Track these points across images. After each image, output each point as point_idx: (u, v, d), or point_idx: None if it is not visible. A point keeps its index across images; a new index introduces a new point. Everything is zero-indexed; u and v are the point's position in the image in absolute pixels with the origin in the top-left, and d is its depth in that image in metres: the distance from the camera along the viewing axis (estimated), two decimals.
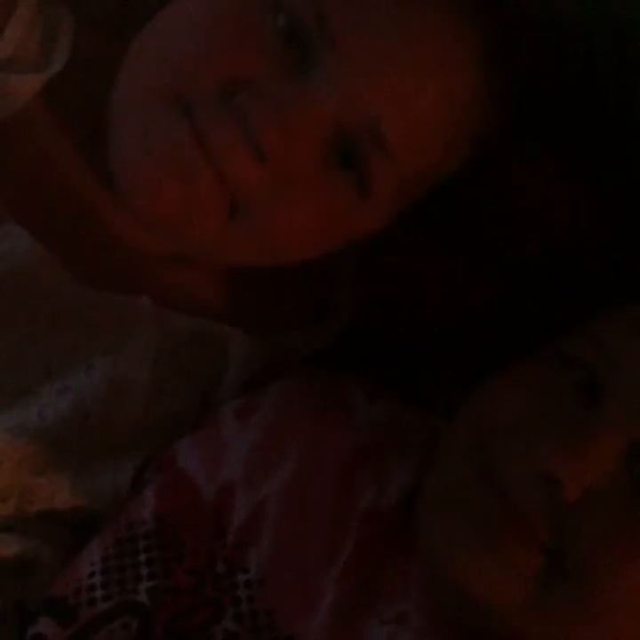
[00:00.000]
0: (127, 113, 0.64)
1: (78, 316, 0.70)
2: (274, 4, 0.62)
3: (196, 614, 0.62)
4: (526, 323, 0.72)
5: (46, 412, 0.69)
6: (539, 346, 0.65)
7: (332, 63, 0.61)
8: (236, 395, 0.74)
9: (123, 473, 0.70)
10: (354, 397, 0.72)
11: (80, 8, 0.72)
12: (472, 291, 0.76)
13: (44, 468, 0.69)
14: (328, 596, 0.62)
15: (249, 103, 0.61)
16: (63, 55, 0.70)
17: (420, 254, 0.76)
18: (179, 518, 0.66)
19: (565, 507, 0.56)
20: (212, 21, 0.63)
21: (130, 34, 0.67)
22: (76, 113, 0.70)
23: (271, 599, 0.63)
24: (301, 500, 0.66)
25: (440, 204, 0.71)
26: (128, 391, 0.71)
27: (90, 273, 0.70)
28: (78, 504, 0.69)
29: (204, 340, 0.74)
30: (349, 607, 0.62)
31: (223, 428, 0.70)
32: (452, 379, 0.77)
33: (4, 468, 0.68)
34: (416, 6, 0.62)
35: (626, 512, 0.57)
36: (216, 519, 0.66)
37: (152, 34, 0.65)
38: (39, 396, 0.69)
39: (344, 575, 0.63)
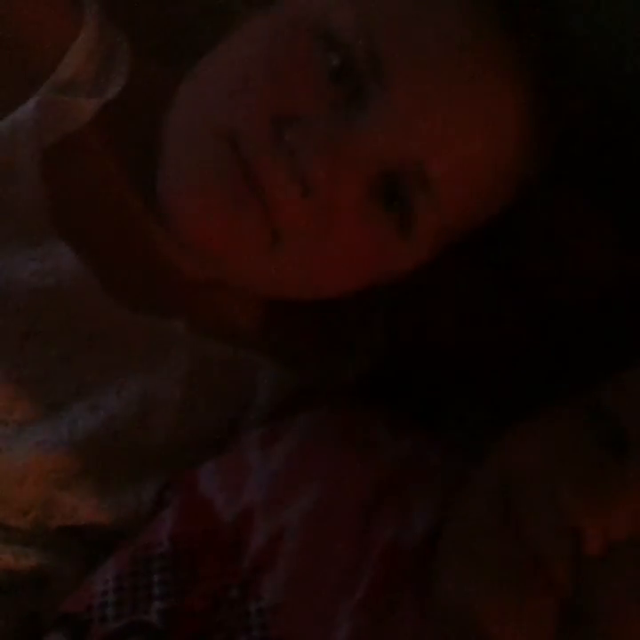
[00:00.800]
0: (179, 142, 0.66)
1: (113, 336, 0.71)
2: (326, 43, 0.63)
3: (207, 639, 0.62)
4: (557, 369, 0.71)
5: (76, 429, 0.69)
6: (569, 393, 0.64)
7: (382, 104, 0.62)
8: (262, 423, 0.74)
9: (146, 493, 0.71)
10: (378, 432, 0.72)
11: (136, 37, 0.74)
12: (503, 333, 0.75)
13: (68, 484, 0.69)
14: (342, 631, 0.61)
15: (297, 139, 0.62)
16: (119, 82, 0.72)
17: (452, 294, 0.76)
18: (195, 541, 0.66)
19: (589, 560, 0.55)
20: (264, 58, 0.64)
21: (183, 65, 0.68)
22: (128, 138, 0.72)
23: (283, 628, 0.62)
24: (320, 531, 0.65)
25: (472, 246, 0.70)
26: (157, 413, 0.71)
27: (127, 294, 0.71)
28: (99, 521, 0.70)
29: (235, 366, 0.74)
30: None
31: (246, 455, 0.70)
32: (478, 419, 0.76)
33: (29, 481, 0.68)
34: (468, 56, 0.63)
35: None
36: (233, 544, 0.65)
37: (204, 69, 0.67)
38: (70, 411, 0.69)
39: (359, 610, 0.62)
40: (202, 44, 0.68)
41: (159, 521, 0.67)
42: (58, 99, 0.69)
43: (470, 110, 0.63)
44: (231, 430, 0.74)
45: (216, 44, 0.68)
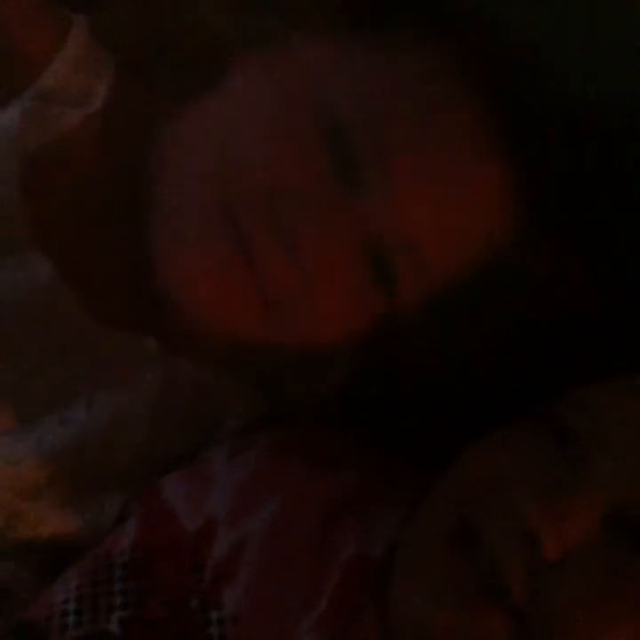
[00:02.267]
0: (170, 200, 0.67)
1: (85, 350, 0.71)
2: (332, 134, 0.65)
3: None
4: (517, 387, 0.71)
5: (44, 442, 0.69)
6: (528, 408, 0.65)
7: (382, 187, 0.65)
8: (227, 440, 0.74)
9: (110, 507, 0.71)
10: (342, 448, 0.72)
11: (119, 53, 0.75)
12: (466, 355, 0.76)
13: (33, 496, 0.69)
14: None
15: (293, 214, 0.64)
16: (102, 93, 0.73)
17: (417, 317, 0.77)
18: (157, 550, 0.65)
19: (543, 566, 0.55)
20: (266, 136, 0.66)
21: (161, 79, 0.69)
22: (110, 152, 0.73)
23: (243, 639, 0.62)
24: (282, 543, 0.65)
25: None
26: (126, 428, 0.72)
27: (102, 308, 0.71)
28: (63, 533, 0.70)
29: (205, 388, 0.74)
30: None
31: (211, 466, 0.70)
32: (439, 436, 0.76)
33: None
34: (463, 145, 0.66)
35: (600, 579, 0.56)
36: (194, 553, 0.65)
37: (199, 120, 0.68)
38: (39, 424, 0.70)
39: (320, 624, 0.62)
40: (184, 61, 0.69)
41: (122, 530, 0.67)
42: (42, 107, 0.71)
43: (463, 193, 0.66)
44: (199, 449, 0.74)
45: (198, 64, 0.69)
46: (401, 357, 0.78)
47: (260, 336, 0.69)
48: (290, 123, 0.65)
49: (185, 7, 0.70)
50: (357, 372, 0.79)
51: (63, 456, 0.69)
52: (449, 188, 0.66)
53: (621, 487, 0.57)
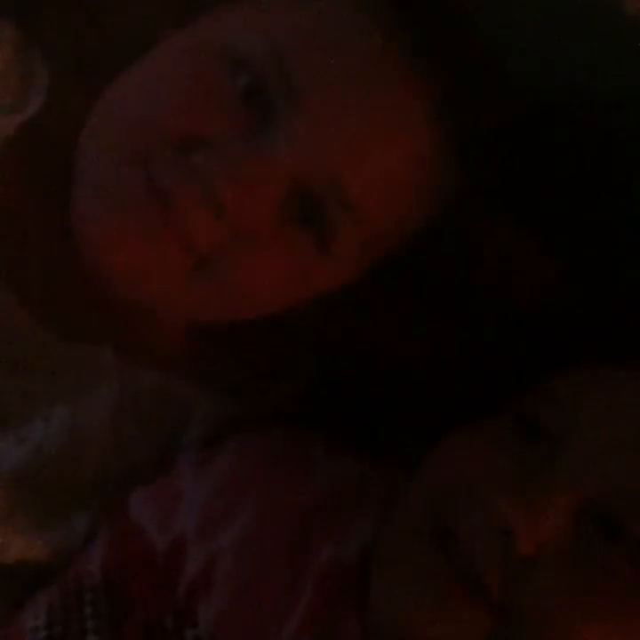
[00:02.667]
0: (89, 168, 0.65)
1: (39, 364, 0.69)
2: (234, 62, 0.62)
3: None
4: (485, 380, 0.71)
5: (3, 462, 0.67)
6: (498, 403, 0.64)
7: (293, 121, 0.62)
8: (195, 448, 0.72)
9: (77, 526, 0.69)
10: (312, 452, 0.71)
11: (54, 55, 0.73)
12: (432, 348, 0.75)
13: None
14: None
15: (206, 161, 0.61)
16: (38, 99, 0.71)
17: (379, 311, 0.76)
18: (128, 570, 0.64)
19: (517, 561, 0.55)
20: (173, 80, 0.63)
21: (100, 82, 0.67)
22: (46, 159, 0.71)
23: None
24: (255, 556, 0.64)
25: (399, 260, 0.70)
26: (86, 443, 0.70)
27: (53, 320, 0.69)
28: (29, 558, 0.68)
29: (166, 395, 0.73)
30: None
31: (178, 480, 0.69)
32: (411, 435, 0.75)
33: None
34: (374, 70, 0.63)
35: (574, 572, 0.56)
36: (167, 571, 0.64)
37: (116, 90, 0.66)
38: None
39: (299, 634, 0.61)
40: (121, 61, 0.67)
41: (90, 551, 0.66)
42: None
43: (380, 123, 0.63)
44: (164, 458, 0.73)
45: (134, 62, 0.67)
46: (358, 342, 0.77)
47: (192, 305, 0.66)
48: (197, 69, 0.63)
49: (128, 12, 0.68)
50: (318, 363, 0.78)
51: (23, 477, 0.68)
52: (366, 119, 0.63)
53: (593, 480, 0.58)
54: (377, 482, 0.70)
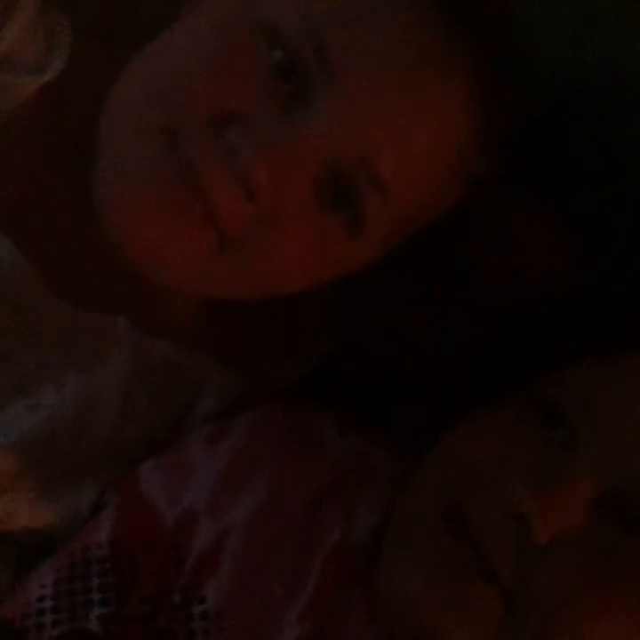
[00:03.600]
0: (114, 138, 0.63)
1: (52, 333, 0.68)
2: (269, 37, 0.60)
3: None
4: (501, 366, 0.70)
5: (11, 430, 0.67)
6: (514, 388, 0.64)
7: (328, 99, 0.60)
8: (207, 421, 0.72)
9: (85, 495, 0.69)
10: (325, 432, 0.71)
11: (78, 17, 0.71)
12: (448, 332, 0.74)
13: (3, 488, 0.67)
14: (289, 634, 0.60)
15: (238, 138, 0.59)
16: (59, 61, 0.69)
17: (397, 294, 0.75)
18: (136, 543, 0.64)
19: (532, 549, 0.55)
20: (204, 52, 0.61)
21: (126, 47, 0.65)
22: (67, 123, 0.69)
23: (227, 633, 0.60)
24: (265, 533, 0.64)
25: (417, 245, 0.69)
26: (97, 412, 0.69)
27: (68, 288, 0.68)
28: (36, 526, 0.68)
29: (179, 366, 0.72)
30: None
31: (190, 454, 0.69)
32: (425, 419, 0.75)
33: None
34: (415, 48, 0.62)
35: (589, 562, 0.55)
36: (175, 546, 0.64)
37: (144, 62, 0.64)
38: (6, 412, 0.67)
39: (305, 614, 0.61)
40: (146, 25, 0.66)
41: (98, 522, 0.65)
42: None
43: (418, 104, 0.62)
44: (175, 431, 0.72)
45: (160, 27, 0.65)
46: (375, 322, 0.76)
47: (214, 283, 0.65)
48: (230, 41, 0.61)
49: None
50: (335, 340, 0.77)
51: (33, 444, 0.67)
52: (403, 99, 0.61)
53: (611, 469, 0.57)
54: (389, 463, 0.69)
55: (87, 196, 0.65)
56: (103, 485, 0.69)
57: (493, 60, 0.63)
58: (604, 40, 0.70)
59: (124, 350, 0.70)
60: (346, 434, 0.71)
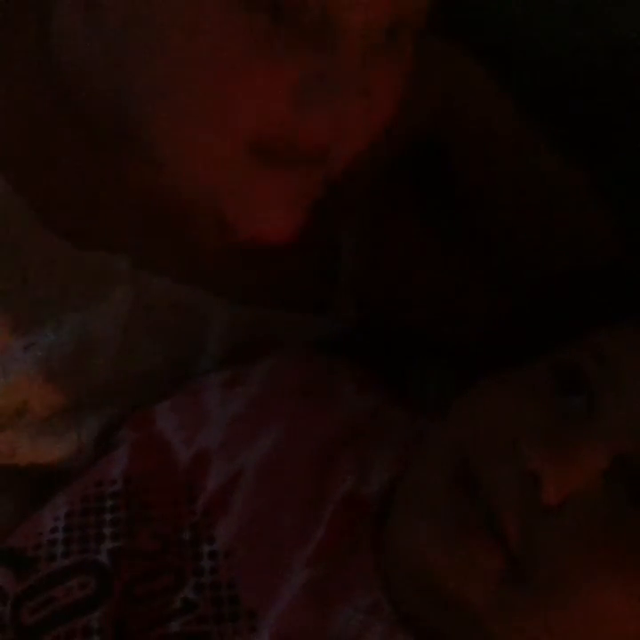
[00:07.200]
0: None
1: (50, 272, 0.68)
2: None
3: (156, 580, 0.61)
4: (524, 329, 0.70)
5: (10, 368, 0.67)
6: (534, 352, 0.63)
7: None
8: (219, 366, 0.72)
9: (87, 431, 0.69)
10: (343, 385, 0.71)
11: None
12: (471, 294, 0.74)
13: (4, 424, 0.67)
14: (298, 577, 0.60)
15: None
16: None
17: (421, 255, 0.74)
18: (149, 480, 0.64)
19: (539, 510, 0.55)
20: None
21: None
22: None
23: (236, 572, 0.61)
24: (277, 477, 0.64)
25: (443, 203, 0.68)
26: (96, 350, 0.69)
27: (68, 226, 0.68)
28: (40, 461, 0.68)
29: (182, 305, 0.71)
30: (320, 591, 0.60)
31: (206, 396, 0.69)
32: (444, 377, 0.75)
33: None
34: None
35: (596, 529, 0.55)
36: (188, 484, 0.64)
37: None
38: (4, 351, 0.67)
39: (316, 557, 0.61)
40: None
41: (113, 458, 0.66)
42: None
43: None
44: (182, 371, 0.72)
45: None
46: (397, 281, 0.76)
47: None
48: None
49: None
50: (354, 302, 0.77)
51: (32, 382, 0.67)
52: None
53: (630, 437, 0.56)
54: (405, 421, 0.69)
55: (79, 130, 0.64)
56: (105, 421, 0.69)
57: None
58: None
59: (124, 290, 0.69)
60: (363, 389, 0.71)
